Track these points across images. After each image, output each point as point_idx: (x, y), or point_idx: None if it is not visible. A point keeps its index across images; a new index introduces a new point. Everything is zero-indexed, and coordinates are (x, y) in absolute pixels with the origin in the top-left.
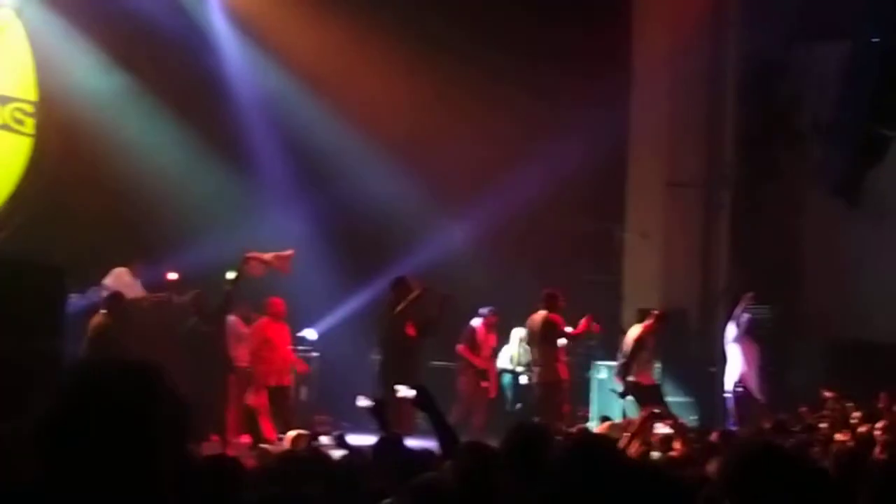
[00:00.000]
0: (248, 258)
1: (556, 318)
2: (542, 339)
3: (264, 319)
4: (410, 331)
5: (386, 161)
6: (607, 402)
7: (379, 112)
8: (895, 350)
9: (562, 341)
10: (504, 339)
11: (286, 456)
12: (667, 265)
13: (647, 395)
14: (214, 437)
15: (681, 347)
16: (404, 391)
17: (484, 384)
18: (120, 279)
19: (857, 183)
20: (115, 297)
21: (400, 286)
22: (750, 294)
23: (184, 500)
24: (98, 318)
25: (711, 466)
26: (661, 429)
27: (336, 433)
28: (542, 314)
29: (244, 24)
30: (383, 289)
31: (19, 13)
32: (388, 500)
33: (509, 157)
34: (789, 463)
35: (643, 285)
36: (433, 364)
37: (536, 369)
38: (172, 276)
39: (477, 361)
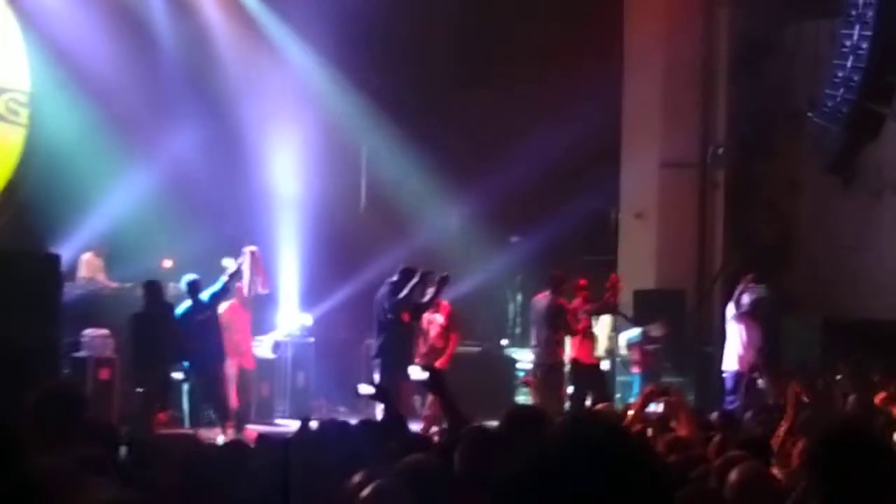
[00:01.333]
0: (252, 253)
1: (564, 302)
2: (547, 322)
3: (234, 304)
4: (405, 316)
5: (383, 145)
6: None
7: (377, 95)
8: (891, 327)
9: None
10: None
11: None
12: (662, 245)
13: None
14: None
15: (677, 327)
16: (417, 373)
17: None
18: (91, 266)
19: (851, 160)
20: (153, 284)
21: (408, 274)
22: (750, 276)
23: (196, 485)
24: (138, 308)
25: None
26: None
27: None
28: (547, 296)
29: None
30: (380, 272)
31: (11, 1)
32: (378, 482)
33: (503, 140)
34: (876, 443)
35: (639, 266)
36: None
37: (537, 350)
38: (167, 263)
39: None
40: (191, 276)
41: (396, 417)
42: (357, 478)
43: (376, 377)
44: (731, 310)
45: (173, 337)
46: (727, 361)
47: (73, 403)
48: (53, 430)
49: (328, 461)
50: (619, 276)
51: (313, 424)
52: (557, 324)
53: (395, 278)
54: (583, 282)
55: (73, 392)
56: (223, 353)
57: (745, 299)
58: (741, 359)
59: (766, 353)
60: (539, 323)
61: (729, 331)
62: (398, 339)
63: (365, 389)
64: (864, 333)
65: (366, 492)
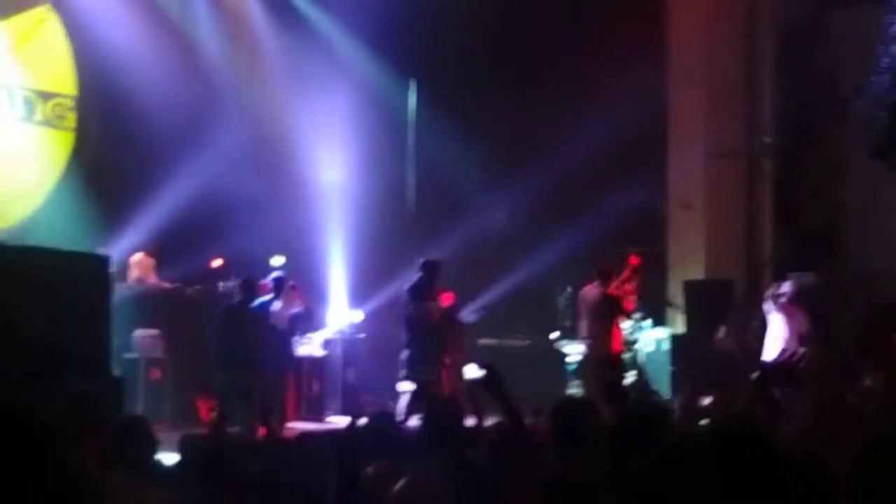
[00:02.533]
0: (293, 287)
1: (613, 292)
2: (600, 314)
3: None
4: (429, 310)
5: (431, 138)
6: (655, 375)
7: (425, 88)
8: None
9: (625, 323)
10: None
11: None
12: (710, 235)
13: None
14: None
15: (726, 315)
16: (473, 371)
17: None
18: (143, 266)
19: None
20: (249, 283)
21: (430, 269)
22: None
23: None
24: (232, 303)
25: None
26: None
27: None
28: (598, 289)
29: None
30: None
31: (56, 6)
32: (411, 476)
33: (550, 132)
34: None
35: (687, 256)
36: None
37: (588, 342)
38: (217, 262)
39: None
40: (278, 273)
41: (449, 409)
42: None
43: (402, 373)
44: (768, 305)
45: (260, 339)
46: (767, 352)
47: (97, 408)
48: (77, 434)
49: (379, 454)
50: (639, 258)
51: (362, 421)
52: (610, 315)
53: (421, 274)
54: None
55: (96, 397)
56: (292, 358)
57: (786, 288)
58: (783, 349)
59: (811, 340)
60: (589, 315)
61: (770, 323)
62: (419, 333)
63: (405, 387)
64: None
65: (399, 485)
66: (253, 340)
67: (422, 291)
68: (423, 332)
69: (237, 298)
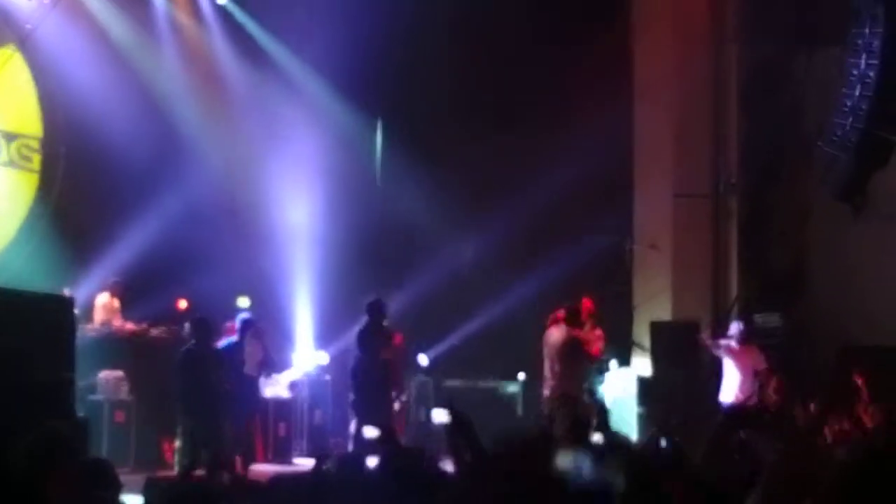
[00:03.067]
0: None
1: (583, 336)
2: (565, 355)
3: None
4: (386, 354)
5: (398, 179)
6: (619, 417)
7: (392, 130)
8: None
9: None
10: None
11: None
12: (677, 276)
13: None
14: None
15: (693, 357)
16: (440, 415)
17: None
18: (107, 308)
19: (861, 187)
20: (200, 323)
21: (376, 309)
22: (706, 332)
23: None
24: (190, 347)
25: None
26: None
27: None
28: (563, 330)
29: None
30: (395, 309)
31: (21, 46)
32: None
33: (517, 173)
34: None
35: (654, 297)
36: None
37: (551, 383)
38: (183, 303)
39: None
40: (245, 315)
41: (412, 452)
42: None
43: (352, 415)
44: (717, 350)
45: (223, 379)
46: (724, 394)
47: (64, 449)
48: (44, 475)
49: (348, 497)
50: (591, 301)
51: (329, 463)
52: (574, 357)
53: (368, 317)
54: (560, 314)
55: (63, 437)
56: (258, 400)
57: (734, 329)
58: (738, 389)
59: (768, 375)
60: (553, 356)
61: (724, 366)
62: (367, 378)
63: (371, 432)
64: (877, 361)
65: None
66: (217, 383)
67: (369, 335)
68: (370, 377)
69: (192, 341)
